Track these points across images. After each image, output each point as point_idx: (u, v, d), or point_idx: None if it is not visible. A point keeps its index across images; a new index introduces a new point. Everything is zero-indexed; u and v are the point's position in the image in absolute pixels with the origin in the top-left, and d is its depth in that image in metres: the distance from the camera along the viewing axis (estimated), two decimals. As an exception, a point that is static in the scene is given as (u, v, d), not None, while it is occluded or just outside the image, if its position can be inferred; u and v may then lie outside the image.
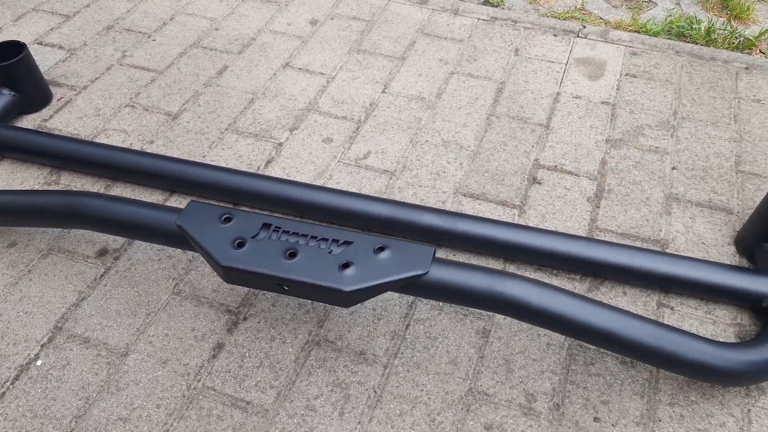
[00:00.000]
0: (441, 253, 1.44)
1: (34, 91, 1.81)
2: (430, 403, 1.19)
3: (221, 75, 1.96)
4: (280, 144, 1.72)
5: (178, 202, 1.56)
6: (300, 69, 1.99)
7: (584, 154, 1.69)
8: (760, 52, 2.19)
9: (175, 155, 1.68)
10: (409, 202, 1.53)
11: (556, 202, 1.56)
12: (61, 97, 1.87)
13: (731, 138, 1.74)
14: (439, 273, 1.12)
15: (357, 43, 2.10)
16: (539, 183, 1.61)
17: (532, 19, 2.20)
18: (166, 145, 1.72)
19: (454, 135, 1.75)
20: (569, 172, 1.64)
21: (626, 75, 1.96)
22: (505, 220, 1.50)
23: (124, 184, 1.61)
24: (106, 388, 1.21)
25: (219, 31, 2.14)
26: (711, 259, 1.43)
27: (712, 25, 2.21)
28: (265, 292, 1.36)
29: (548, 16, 2.34)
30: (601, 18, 2.37)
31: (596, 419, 1.17)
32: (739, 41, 2.20)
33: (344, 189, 1.56)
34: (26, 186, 1.60)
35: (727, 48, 2.16)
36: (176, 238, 1.22)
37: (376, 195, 1.57)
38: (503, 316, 1.32)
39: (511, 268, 1.41)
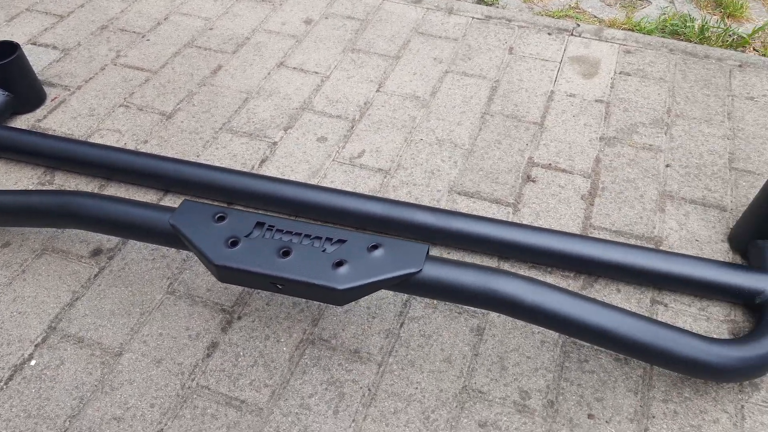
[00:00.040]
0: (435, 252, 1.44)
1: (28, 92, 1.80)
2: (425, 400, 1.19)
3: (215, 74, 1.96)
4: (275, 143, 1.72)
5: (173, 201, 1.56)
6: (294, 68, 1.99)
7: (578, 152, 1.70)
8: (754, 49, 2.20)
9: (169, 155, 1.68)
10: (403, 200, 1.53)
11: (550, 199, 1.57)
12: (55, 97, 1.87)
13: (725, 135, 1.75)
14: (432, 271, 1.12)
15: (351, 42, 2.10)
16: (533, 181, 1.62)
17: (527, 18, 2.21)
18: (160, 144, 1.72)
19: (449, 133, 1.76)
20: (563, 170, 1.64)
21: (620, 73, 1.97)
22: (499, 218, 1.51)
23: (118, 183, 1.60)
24: (100, 388, 1.21)
25: (213, 31, 2.14)
26: (704, 256, 1.43)
27: (706, 23, 2.22)
28: (259, 291, 1.36)
29: (542, 15, 2.34)
30: (595, 16, 2.37)
31: (590, 416, 1.17)
32: (733, 39, 2.21)
33: (339, 188, 1.56)
34: (20, 186, 1.60)
35: (720, 46, 2.17)
36: (170, 237, 1.22)
37: (370, 194, 1.57)
38: (497, 314, 1.32)
39: (506, 266, 1.42)
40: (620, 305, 1.34)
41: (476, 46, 2.08)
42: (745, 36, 2.20)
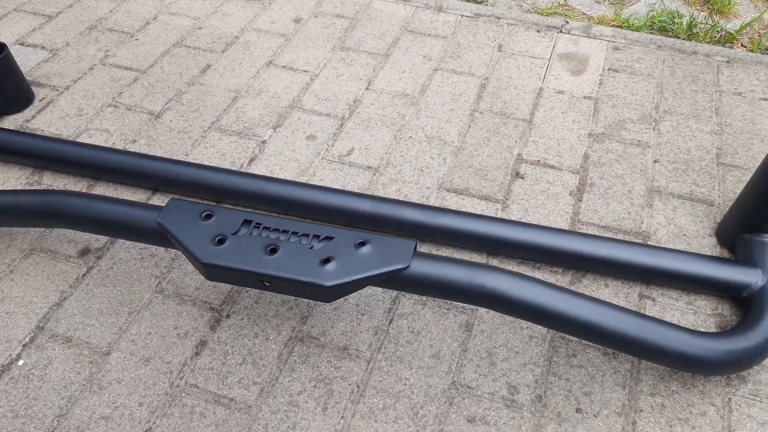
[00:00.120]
0: (425, 249, 1.44)
1: (15, 92, 1.80)
2: (413, 396, 1.20)
3: (204, 74, 1.96)
4: (264, 142, 1.72)
5: (161, 200, 1.55)
6: (284, 67, 1.99)
7: (567, 148, 1.70)
8: (741, 45, 2.21)
9: (158, 154, 1.68)
10: (392, 197, 1.53)
11: (538, 196, 1.57)
12: (44, 98, 1.86)
13: (712, 131, 1.76)
14: (420, 267, 1.12)
15: (341, 40, 2.10)
16: (522, 177, 1.62)
17: (516, 15, 2.21)
18: (148, 144, 1.72)
19: (438, 131, 1.76)
20: (552, 167, 1.65)
21: (609, 70, 1.98)
22: (488, 214, 1.51)
23: (106, 183, 1.60)
24: (88, 387, 1.21)
25: (202, 30, 2.14)
26: (692, 251, 1.44)
27: (694, 19, 2.23)
28: (248, 289, 1.36)
29: (531, 12, 2.34)
30: (584, 13, 2.38)
31: (578, 410, 1.18)
32: (721, 35, 2.22)
33: (328, 186, 1.56)
34: (8, 187, 1.59)
35: (708, 42, 2.18)
36: (158, 236, 1.22)
37: (359, 191, 1.57)
38: (486, 310, 1.32)
39: (494, 262, 1.42)
40: (608, 300, 1.34)
41: (465, 43, 2.08)
42: (732, 32, 2.21)
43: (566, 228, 1.49)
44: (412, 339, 1.28)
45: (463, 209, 1.53)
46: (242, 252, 1.11)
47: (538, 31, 2.14)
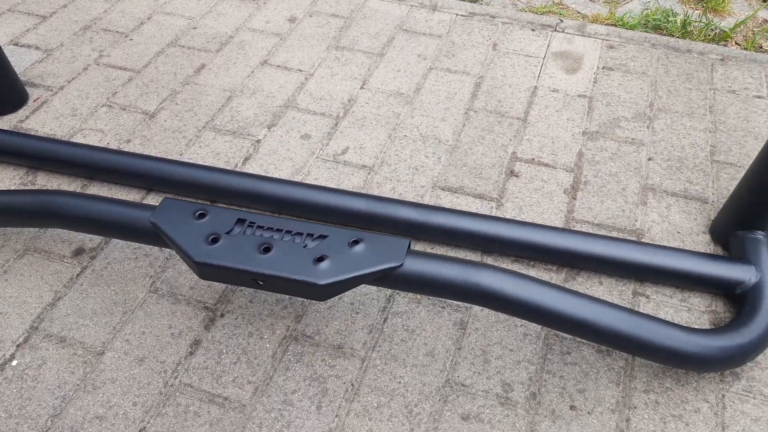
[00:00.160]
0: (419, 247, 1.44)
1: (9, 92, 1.79)
2: (408, 395, 1.20)
3: (199, 73, 1.96)
4: (258, 141, 1.72)
5: (156, 200, 1.55)
6: (278, 66, 1.98)
7: (561, 146, 1.70)
8: (735, 43, 2.21)
9: (152, 154, 1.67)
10: (387, 196, 1.53)
11: (533, 194, 1.57)
12: (38, 98, 1.86)
13: (706, 128, 1.76)
14: (413, 265, 1.12)
15: (335, 39, 2.10)
16: (516, 176, 1.62)
17: (510, 14, 2.21)
18: (143, 143, 1.72)
19: (433, 130, 1.76)
20: (546, 165, 1.65)
21: (603, 68, 1.98)
22: (482, 212, 1.51)
23: (101, 183, 1.60)
24: (82, 387, 1.20)
25: (197, 30, 2.14)
26: (686, 248, 1.44)
27: (688, 17, 2.23)
28: (242, 288, 1.36)
29: (526, 11, 2.35)
30: (579, 12, 2.38)
31: (572, 407, 1.18)
32: (715, 33, 2.22)
33: (322, 185, 1.56)
34: (2, 187, 1.59)
35: (702, 40, 2.18)
36: (151, 235, 1.21)
37: (354, 190, 1.57)
38: (481, 308, 1.32)
39: (489, 260, 1.42)
40: (602, 297, 1.34)
41: (460, 42, 2.09)
42: (726, 30, 2.22)
43: (560, 226, 1.50)
44: (407, 337, 1.28)
45: (458, 208, 1.53)
46: (236, 251, 1.10)
47: (532, 30, 2.14)
